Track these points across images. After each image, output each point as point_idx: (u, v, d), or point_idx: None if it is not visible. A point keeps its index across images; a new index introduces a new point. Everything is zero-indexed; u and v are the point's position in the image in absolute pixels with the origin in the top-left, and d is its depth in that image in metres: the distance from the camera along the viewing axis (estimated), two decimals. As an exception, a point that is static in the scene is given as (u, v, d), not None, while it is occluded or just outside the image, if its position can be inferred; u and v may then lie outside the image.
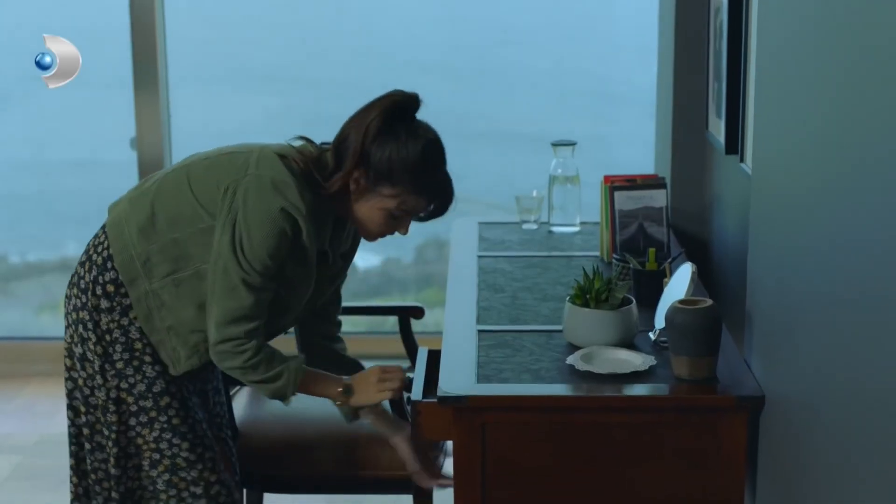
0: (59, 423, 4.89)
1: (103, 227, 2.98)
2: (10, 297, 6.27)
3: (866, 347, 2.02)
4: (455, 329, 3.22)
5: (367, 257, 7.58)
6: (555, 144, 4.07)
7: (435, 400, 2.79)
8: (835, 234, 2.22)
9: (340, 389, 3.00)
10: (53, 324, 5.98)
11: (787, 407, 2.58)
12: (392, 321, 3.94)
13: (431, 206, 2.94)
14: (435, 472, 3.18)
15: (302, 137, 2.95)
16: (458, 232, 4.17)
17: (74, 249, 6.57)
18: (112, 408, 2.93)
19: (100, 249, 2.95)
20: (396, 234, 2.97)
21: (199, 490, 2.98)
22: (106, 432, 2.95)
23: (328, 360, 3.23)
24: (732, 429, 2.77)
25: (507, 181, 5.75)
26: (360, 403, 3.01)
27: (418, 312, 3.80)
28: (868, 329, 2.01)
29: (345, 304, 3.35)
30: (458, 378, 2.87)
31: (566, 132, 4.16)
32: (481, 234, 4.12)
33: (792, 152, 2.58)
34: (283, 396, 2.93)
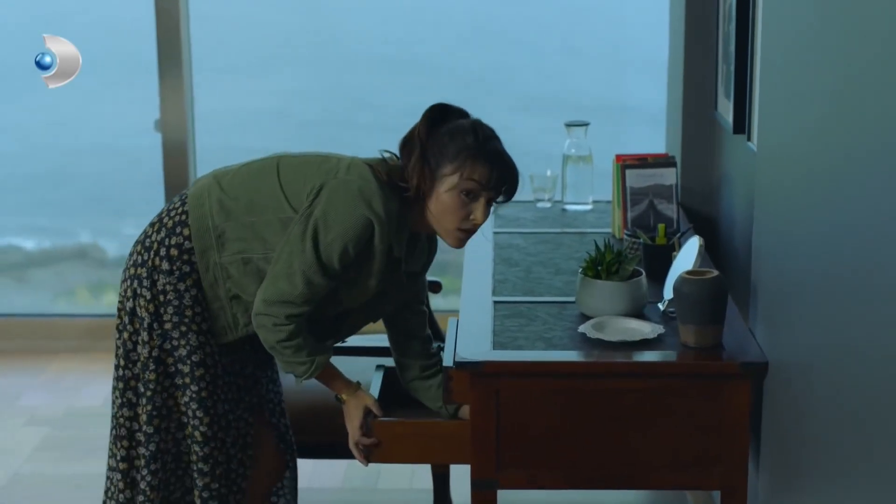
0: (85, 397, 5.05)
1: (182, 195, 3.09)
2: (25, 284, 6.34)
3: (863, 316, 2.12)
4: (472, 300, 3.35)
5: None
6: (568, 125, 4.19)
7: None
8: (835, 209, 2.33)
9: (336, 395, 3.11)
10: (69, 311, 6.07)
11: (790, 373, 2.69)
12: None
13: (496, 176, 2.92)
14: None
15: (388, 151, 3.05)
16: (474, 209, 4.29)
17: (89, 237, 6.67)
18: (152, 366, 3.03)
19: (173, 214, 3.05)
20: (474, 223, 2.95)
21: (206, 468, 3.07)
22: (142, 389, 3.07)
23: (412, 356, 3.23)
24: (737, 394, 2.90)
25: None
26: (345, 418, 3.11)
27: (436, 287, 3.93)
28: (865, 299, 2.11)
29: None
30: (474, 345, 3.00)
31: (579, 102, 4.24)
32: (497, 211, 4.23)
33: (795, 132, 2.69)
34: (297, 377, 3.03)
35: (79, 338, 5.59)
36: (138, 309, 3.05)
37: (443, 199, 2.92)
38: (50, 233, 6.69)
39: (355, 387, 3.08)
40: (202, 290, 3.02)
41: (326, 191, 2.91)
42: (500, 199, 2.97)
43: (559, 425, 2.93)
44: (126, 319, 3.08)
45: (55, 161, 6.85)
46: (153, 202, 5.66)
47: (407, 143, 2.98)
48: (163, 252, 3.02)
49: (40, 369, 5.36)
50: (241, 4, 6.09)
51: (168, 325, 3.02)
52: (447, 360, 2.99)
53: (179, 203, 3.07)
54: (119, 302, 3.10)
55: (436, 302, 4.06)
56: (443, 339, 3.75)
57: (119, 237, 6.72)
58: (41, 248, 6.65)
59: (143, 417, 3.06)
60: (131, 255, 3.09)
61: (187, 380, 3.04)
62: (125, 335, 3.08)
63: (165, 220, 3.06)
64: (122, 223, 6.87)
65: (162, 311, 3.02)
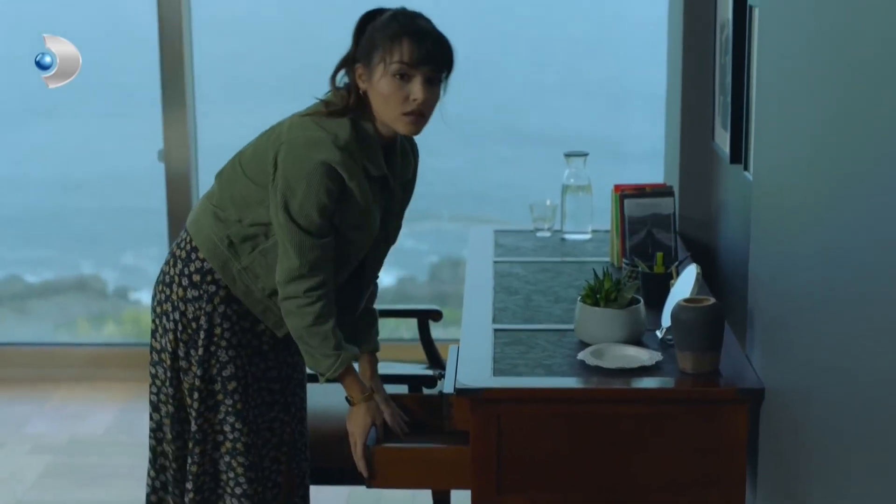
0: (89, 425, 5.08)
1: (184, 227, 3.16)
2: (26, 316, 6.37)
3: (860, 344, 2.16)
4: (472, 328, 3.39)
5: (382, 275, 7.70)
6: (567, 155, 4.24)
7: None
8: (830, 238, 2.37)
9: (346, 397, 3.13)
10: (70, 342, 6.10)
11: (786, 399, 2.73)
12: (408, 331, 4.06)
13: (423, 52, 2.91)
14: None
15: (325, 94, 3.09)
16: (475, 239, 4.35)
17: (90, 269, 6.70)
18: (196, 395, 3.09)
19: (182, 245, 3.12)
20: (416, 104, 2.92)
21: (253, 475, 3.13)
22: (191, 418, 3.11)
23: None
24: (734, 419, 2.94)
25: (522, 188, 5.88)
26: (348, 420, 3.13)
27: (436, 315, 3.98)
28: (861, 327, 2.15)
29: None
30: (475, 372, 3.04)
31: (579, 133, 4.30)
32: (497, 240, 4.29)
33: (790, 162, 2.74)
34: (321, 374, 3.06)
35: (82, 366, 5.63)
36: (168, 344, 3.11)
37: (379, 89, 2.93)
38: (51, 264, 6.72)
39: (369, 394, 3.11)
40: (229, 304, 3.07)
41: (280, 159, 2.95)
42: (442, 74, 2.96)
43: (559, 450, 2.97)
44: (159, 357, 3.15)
45: (57, 192, 6.89)
46: (155, 233, 5.71)
47: (341, 64, 3.02)
48: (185, 282, 3.08)
49: (44, 398, 5.40)
50: (245, 37, 6.15)
51: (201, 350, 3.07)
52: (448, 388, 3.03)
53: (185, 234, 3.14)
54: (153, 341, 3.17)
55: (436, 331, 4.11)
56: (443, 367, 3.80)
57: (119, 268, 6.75)
58: (42, 279, 6.68)
59: (197, 449, 3.12)
60: (154, 296, 3.16)
61: (220, 396, 3.10)
62: (160, 374, 3.15)
63: (177, 252, 3.13)
64: (124, 254, 6.91)
65: (196, 338, 3.08)
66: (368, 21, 3.00)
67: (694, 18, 4.20)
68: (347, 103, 2.98)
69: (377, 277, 3.30)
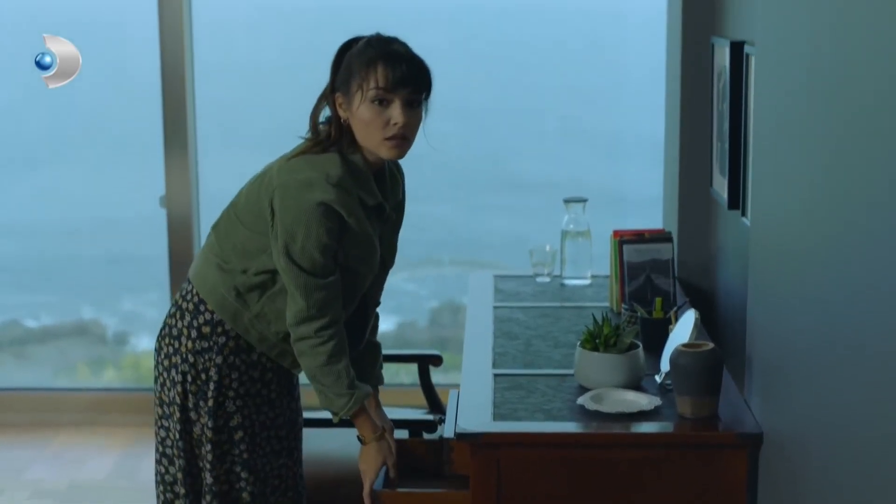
0: (89, 470, 5.09)
1: (188, 279, 3.15)
2: (25, 361, 6.35)
3: (857, 389, 2.19)
4: (472, 373, 3.41)
5: (381, 320, 7.72)
6: (567, 201, 4.27)
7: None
8: (828, 284, 2.40)
9: (358, 436, 3.13)
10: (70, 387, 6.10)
11: (785, 444, 2.75)
12: (407, 376, 4.06)
13: (399, 75, 2.91)
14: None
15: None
16: (475, 284, 4.37)
17: (90, 314, 6.71)
18: (209, 447, 3.08)
19: (188, 297, 3.11)
20: (396, 127, 2.93)
21: None
22: (205, 470, 3.10)
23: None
24: (734, 464, 2.95)
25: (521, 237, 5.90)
26: (360, 458, 3.13)
27: (437, 360, 3.99)
28: (859, 372, 2.18)
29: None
30: (475, 416, 3.06)
31: (578, 183, 4.34)
32: (497, 286, 4.31)
33: (787, 208, 2.76)
34: (335, 413, 3.05)
35: (82, 412, 5.63)
36: (177, 396, 3.09)
37: (359, 117, 2.94)
38: (51, 309, 6.73)
39: (381, 433, 3.10)
40: (238, 355, 3.07)
41: (276, 204, 2.96)
42: (421, 96, 2.96)
43: (559, 495, 2.98)
44: (168, 411, 3.13)
45: (58, 237, 6.91)
46: (155, 279, 5.73)
47: (321, 97, 3.03)
48: (194, 334, 3.08)
49: (45, 443, 5.41)
50: (246, 83, 6.19)
51: (212, 402, 3.07)
52: (448, 432, 3.04)
53: (189, 286, 3.13)
54: (156, 398, 3.16)
55: (436, 377, 4.12)
56: (443, 412, 3.81)
57: (119, 314, 6.76)
58: (42, 324, 6.68)
59: (216, 501, 3.11)
60: (159, 349, 3.15)
61: (226, 446, 3.10)
62: (171, 427, 3.13)
63: (183, 304, 3.12)
64: (124, 299, 6.92)
65: (206, 389, 3.07)
66: (345, 50, 3.01)
67: (692, 66, 4.25)
68: (331, 136, 2.99)
69: (378, 304, 3.30)
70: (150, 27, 5.25)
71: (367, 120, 2.93)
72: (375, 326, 3.32)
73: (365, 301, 3.18)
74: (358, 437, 3.12)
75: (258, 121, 6.06)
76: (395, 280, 7.57)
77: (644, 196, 5.62)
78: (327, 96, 3.02)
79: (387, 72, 2.92)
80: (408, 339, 6.91)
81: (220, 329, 3.07)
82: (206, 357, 3.06)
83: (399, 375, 5.92)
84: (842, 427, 2.29)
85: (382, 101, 2.93)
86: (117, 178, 6.59)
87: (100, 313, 6.70)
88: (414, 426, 3.57)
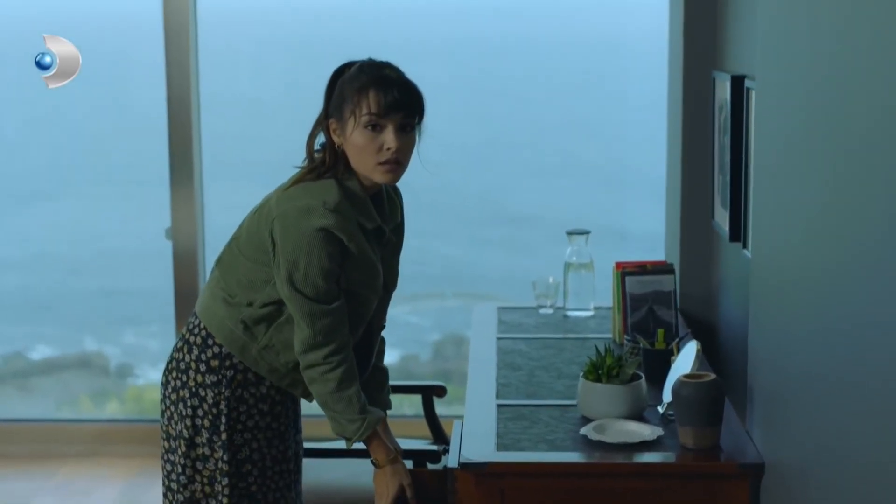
0: (94, 501, 5.10)
1: (194, 313, 3.17)
2: (29, 393, 6.35)
3: (858, 419, 2.22)
4: (476, 403, 3.44)
5: (385, 353, 7.72)
6: (570, 233, 4.31)
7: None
8: (828, 314, 2.43)
9: (372, 460, 3.12)
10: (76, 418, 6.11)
11: (786, 474, 2.77)
12: (410, 408, 4.07)
13: (390, 101, 2.93)
14: None
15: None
16: (478, 316, 4.40)
17: (93, 346, 6.74)
18: (225, 480, 3.07)
19: (196, 331, 3.12)
20: (390, 152, 2.94)
21: None
22: (217, 499, 3.10)
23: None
24: (735, 494, 2.97)
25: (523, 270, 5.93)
26: (376, 482, 3.14)
27: (441, 391, 4.02)
28: (859, 403, 2.21)
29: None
30: (479, 447, 3.08)
31: (579, 217, 4.37)
32: (500, 317, 4.34)
33: (788, 240, 2.80)
34: (347, 439, 3.07)
35: (86, 443, 5.65)
36: (186, 430, 3.09)
37: (353, 143, 2.96)
38: (54, 341, 6.75)
39: (395, 456, 3.11)
40: (247, 388, 3.08)
41: (276, 234, 2.98)
42: (414, 120, 2.97)
43: (562, 525, 3.01)
44: (175, 444, 3.13)
45: (63, 269, 6.94)
46: (159, 310, 5.76)
47: (316, 125, 3.05)
48: (202, 367, 3.08)
49: (50, 474, 5.42)
50: (252, 116, 6.23)
51: (225, 436, 3.07)
52: (452, 462, 3.07)
53: (196, 320, 3.14)
54: (167, 428, 3.15)
55: (439, 408, 4.15)
56: (447, 442, 3.84)
57: (122, 346, 6.78)
58: (45, 356, 6.70)
59: None
60: (166, 383, 3.14)
61: (234, 479, 3.09)
62: (177, 460, 3.12)
63: (191, 338, 3.13)
64: (126, 331, 6.94)
65: (219, 423, 3.07)
66: (338, 76, 3.04)
67: (693, 99, 4.29)
68: (326, 162, 3.01)
69: (383, 328, 3.29)
70: (157, 60, 5.29)
71: (360, 145, 2.95)
72: (381, 351, 3.32)
73: (370, 326, 3.19)
74: (372, 461, 3.13)
75: (263, 153, 6.10)
76: (398, 313, 7.59)
77: (646, 231, 5.65)
78: (321, 123, 3.04)
79: (379, 97, 2.93)
80: (411, 372, 6.93)
81: (228, 363, 3.08)
82: (216, 391, 3.07)
83: (402, 407, 5.94)
84: (842, 457, 2.31)
85: (375, 127, 2.94)
86: (122, 210, 6.63)
87: (102, 345, 6.73)
88: (418, 456, 3.59)
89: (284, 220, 2.97)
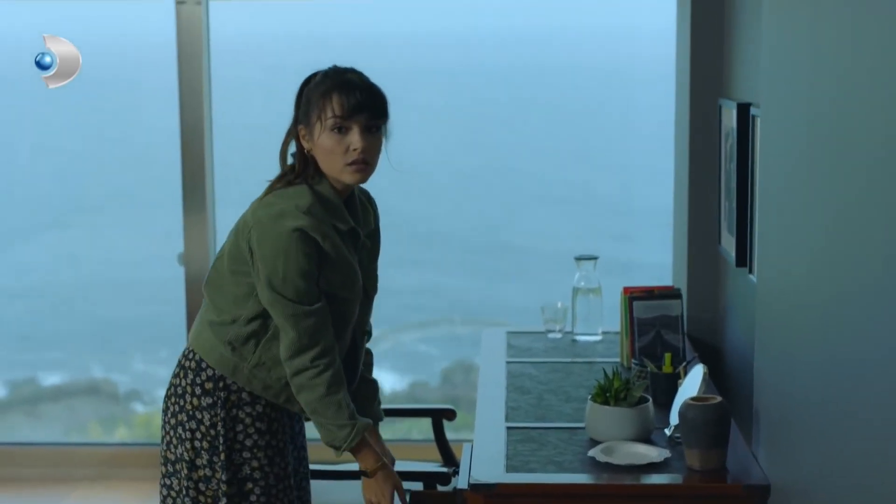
0: (105, 524, 5.14)
1: (188, 343, 3.22)
2: (37, 419, 6.40)
3: (861, 441, 2.26)
4: (486, 426, 3.48)
5: (393, 380, 7.74)
6: (578, 258, 4.35)
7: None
8: (832, 339, 2.47)
9: (362, 470, 3.14)
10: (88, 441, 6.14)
11: (791, 495, 2.81)
12: (419, 433, 4.10)
13: (353, 103, 3.01)
14: None
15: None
16: (488, 340, 4.45)
17: (101, 372, 6.77)
18: (225, 500, 3.11)
19: (189, 356, 3.17)
20: (356, 153, 3.01)
21: None
22: None
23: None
24: (741, 515, 3.02)
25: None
26: (366, 490, 3.17)
27: (450, 414, 4.06)
28: (863, 424, 2.25)
29: (382, 405, 3.56)
30: (488, 468, 3.13)
31: (585, 248, 4.42)
32: (509, 342, 4.39)
33: (793, 266, 2.84)
34: (337, 447, 3.09)
35: (97, 466, 5.68)
36: (186, 453, 3.13)
37: (321, 146, 3.04)
38: (63, 367, 6.78)
39: (384, 462, 3.15)
40: (242, 408, 3.12)
41: (253, 242, 3.04)
42: (378, 121, 3.05)
43: (570, 545, 3.05)
44: (176, 468, 3.17)
45: (74, 295, 6.98)
46: (169, 337, 5.80)
47: (287, 134, 3.14)
48: (198, 391, 3.13)
49: (60, 498, 5.45)
50: (263, 143, 6.29)
51: (223, 456, 3.11)
52: (462, 483, 3.11)
53: (189, 348, 3.20)
54: (167, 452, 3.19)
55: (448, 434, 4.18)
56: (457, 465, 3.88)
57: (130, 372, 6.81)
58: (54, 382, 6.72)
59: None
60: (166, 409, 3.20)
61: (237, 500, 3.13)
62: (174, 484, 3.17)
63: (186, 363, 3.18)
64: (135, 358, 6.98)
65: (217, 444, 3.11)
66: (306, 86, 3.12)
67: (700, 127, 4.34)
68: (297, 169, 3.09)
69: (370, 336, 3.34)
70: (170, 87, 5.36)
71: (328, 148, 3.03)
72: (369, 363, 3.38)
73: (355, 332, 3.23)
74: (361, 470, 3.15)
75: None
76: (407, 340, 7.63)
77: (653, 262, 5.67)
78: (292, 131, 3.12)
79: (342, 100, 3.02)
80: (420, 399, 6.95)
81: (221, 384, 3.12)
82: (212, 412, 3.11)
83: (412, 431, 5.98)
84: (847, 478, 2.35)
85: (341, 129, 3.02)
86: (134, 235, 6.68)
87: (111, 372, 6.76)
88: (428, 478, 3.64)
89: (260, 226, 3.04)
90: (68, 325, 6.99)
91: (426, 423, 4.18)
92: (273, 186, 3.11)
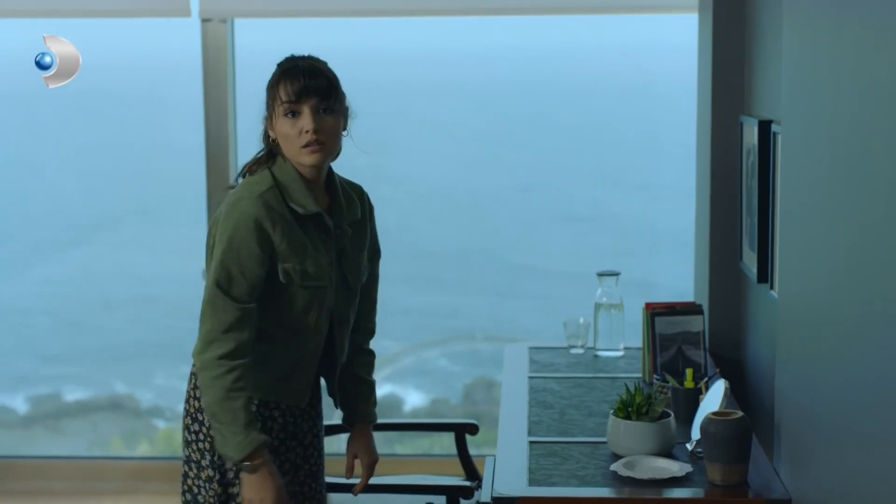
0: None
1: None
2: (60, 435, 6.46)
3: (882, 458, 2.27)
4: (508, 440, 3.51)
5: (414, 396, 7.75)
6: (600, 274, 4.38)
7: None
8: (854, 353, 2.49)
9: (245, 494, 3.06)
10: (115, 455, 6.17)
11: (812, 509, 2.84)
12: (441, 449, 4.10)
13: (301, 86, 3.06)
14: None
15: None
16: (510, 355, 4.47)
17: (123, 388, 6.81)
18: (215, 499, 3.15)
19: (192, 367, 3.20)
20: (309, 134, 3.04)
21: None
22: None
23: (349, 374, 3.37)
24: (762, 530, 3.03)
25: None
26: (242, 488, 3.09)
27: (473, 428, 4.08)
28: (884, 441, 2.26)
29: (403, 420, 3.61)
30: (511, 482, 3.15)
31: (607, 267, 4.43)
32: (532, 357, 4.41)
33: (814, 282, 2.86)
34: (229, 457, 3.03)
35: (122, 480, 5.72)
36: (193, 454, 3.19)
37: (279, 132, 3.09)
38: (86, 382, 6.81)
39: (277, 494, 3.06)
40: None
41: (215, 235, 3.07)
42: (330, 102, 3.08)
43: (592, 559, 3.07)
44: (188, 468, 3.21)
45: (98, 311, 7.02)
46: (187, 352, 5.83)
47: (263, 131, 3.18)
48: (197, 393, 3.16)
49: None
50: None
51: (216, 457, 3.14)
52: (485, 497, 3.14)
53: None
54: (189, 452, 3.22)
55: (470, 449, 4.19)
56: (479, 479, 3.90)
57: (152, 388, 6.85)
58: (77, 398, 6.75)
59: None
60: (184, 419, 3.23)
61: (222, 498, 3.17)
62: (189, 482, 3.20)
63: (193, 369, 3.19)
64: (157, 374, 7.01)
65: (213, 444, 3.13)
66: None
67: (722, 143, 4.35)
68: (264, 157, 3.15)
69: (371, 334, 3.41)
70: (195, 102, 5.40)
71: (284, 133, 3.08)
72: (369, 364, 3.42)
73: (336, 324, 3.22)
74: (242, 466, 3.05)
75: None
76: (429, 356, 7.65)
77: (674, 284, 5.67)
78: (264, 124, 3.18)
79: (288, 85, 3.07)
80: (441, 415, 6.97)
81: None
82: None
83: (434, 449, 6.00)
84: (868, 494, 2.37)
85: (294, 114, 3.07)
86: (159, 251, 6.72)
87: (133, 388, 6.80)
88: (451, 492, 3.65)
89: (220, 215, 3.09)
90: (91, 341, 7.04)
91: (447, 439, 4.19)
92: (242, 176, 3.17)
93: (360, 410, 3.38)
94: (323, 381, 3.35)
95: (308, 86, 3.07)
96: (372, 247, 3.37)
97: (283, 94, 3.07)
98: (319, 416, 3.34)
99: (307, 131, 3.06)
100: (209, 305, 3.04)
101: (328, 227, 3.15)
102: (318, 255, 3.13)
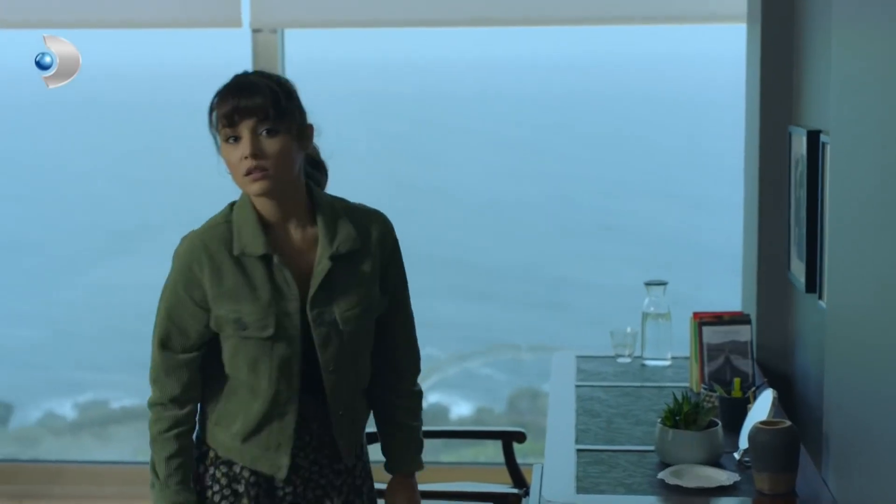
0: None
1: None
2: (107, 441, 6.53)
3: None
4: (556, 448, 3.52)
5: (460, 405, 7.77)
6: (647, 284, 4.39)
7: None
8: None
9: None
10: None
11: (861, 519, 2.84)
12: (487, 456, 4.11)
13: (234, 107, 2.68)
14: None
15: None
16: (557, 364, 4.48)
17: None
18: None
19: None
20: (247, 161, 2.67)
21: None
22: None
23: (385, 418, 3.00)
24: (811, 539, 3.04)
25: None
26: None
27: (520, 437, 4.10)
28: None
29: (449, 427, 3.58)
30: (559, 489, 3.17)
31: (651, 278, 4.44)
32: (579, 366, 4.43)
33: (863, 292, 2.87)
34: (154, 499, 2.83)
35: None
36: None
37: (225, 159, 2.74)
38: (132, 390, 6.87)
39: None
40: (218, 467, 2.89)
41: None
42: (270, 122, 2.69)
43: (640, 567, 3.08)
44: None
45: (141, 318, 7.09)
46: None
47: None
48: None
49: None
50: (334, 172, 6.37)
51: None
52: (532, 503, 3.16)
53: None
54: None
55: (517, 458, 4.21)
56: (527, 486, 3.92)
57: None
58: (123, 405, 6.80)
59: None
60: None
61: None
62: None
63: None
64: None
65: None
66: None
67: (770, 154, 4.36)
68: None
69: (413, 373, 3.00)
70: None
71: (228, 161, 2.74)
72: (408, 408, 2.99)
73: (322, 369, 2.82)
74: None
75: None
76: (473, 366, 7.66)
77: (718, 298, 5.65)
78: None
79: (222, 108, 2.71)
80: (485, 424, 6.99)
81: (199, 443, 2.93)
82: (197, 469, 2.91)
83: (479, 458, 6.02)
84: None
85: (235, 138, 2.70)
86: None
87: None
88: (499, 499, 3.68)
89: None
90: (137, 349, 7.09)
91: (491, 448, 4.21)
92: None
93: (397, 459, 3.01)
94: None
95: (239, 106, 2.68)
96: (389, 279, 2.90)
97: (219, 120, 2.71)
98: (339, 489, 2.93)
99: (245, 157, 2.68)
100: (151, 345, 2.86)
101: (271, 268, 2.77)
102: (263, 302, 2.75)
